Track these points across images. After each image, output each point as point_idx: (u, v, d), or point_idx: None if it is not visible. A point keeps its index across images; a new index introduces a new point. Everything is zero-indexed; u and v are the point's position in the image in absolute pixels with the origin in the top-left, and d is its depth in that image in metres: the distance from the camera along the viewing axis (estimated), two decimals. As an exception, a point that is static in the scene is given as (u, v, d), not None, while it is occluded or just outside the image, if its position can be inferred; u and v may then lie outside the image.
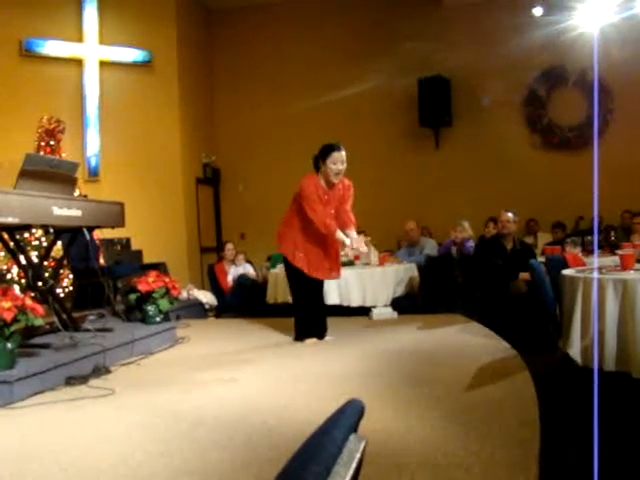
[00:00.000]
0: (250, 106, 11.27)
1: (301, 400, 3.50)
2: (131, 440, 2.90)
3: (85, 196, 7.27)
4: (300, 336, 5.43)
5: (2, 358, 3.65)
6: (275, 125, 11.18)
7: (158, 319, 5.49)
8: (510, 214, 6.57)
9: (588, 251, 6.94)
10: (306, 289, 5.37)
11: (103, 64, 9.81)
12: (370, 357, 4.63)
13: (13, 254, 5.00)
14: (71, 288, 7.78)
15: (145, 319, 5.47)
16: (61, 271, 7.16)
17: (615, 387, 3.60)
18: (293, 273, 5.39)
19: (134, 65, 10.04)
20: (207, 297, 8.37)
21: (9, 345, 3.65)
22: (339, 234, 5.14)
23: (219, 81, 11.74)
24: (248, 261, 8.64)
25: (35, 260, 5.44)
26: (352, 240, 5.13)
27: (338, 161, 5.15)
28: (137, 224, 7.64)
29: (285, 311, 7.10)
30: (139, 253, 8.74)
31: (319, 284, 5.48)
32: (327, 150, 5.20)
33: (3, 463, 2.66)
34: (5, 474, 2.53)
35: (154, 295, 5.40)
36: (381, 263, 7.28)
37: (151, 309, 5.45)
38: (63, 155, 8.18)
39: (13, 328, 3.63)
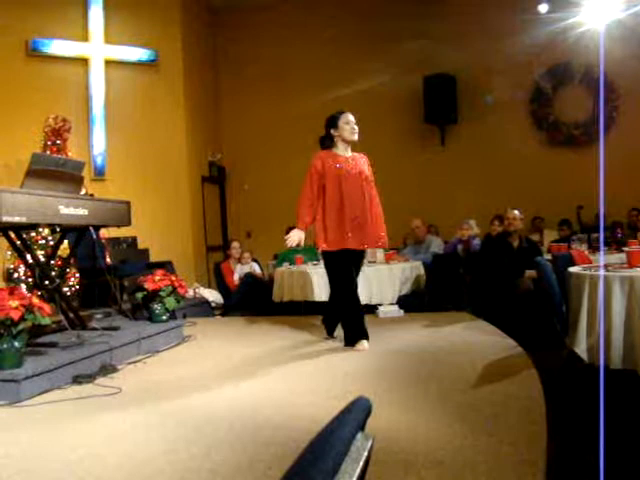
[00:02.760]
0: (255, 105, 11.29)
1: (308, 398, 3.50)
2: (138, 438, 2.90)
3: (91, 195, 7.29)
4: (353, 339, 5.01)
5: (10, 357, 3.66)
6: (280, 123, 11.18)
7: (164, 317, 5.51)
8: (516, 212, 6.57)
9: (594, 248, 6.92)
10: (345, 278, 5.04)
11: (109, 63, 9.81)
12: (377, 355, 4.64)
13: (20, 253, 5.02)
14: (78, 287, 7.81)
15: (152, 317, 5.49)
16: (68, 270, 7.18)
17: (621, 385, 3.59)
18: (331, 263, 5.08)
19: (140, 64, 10.05)
20: (213, 295, 8.39)
21: (16, 344, 3.67)
22: (299, 232, 5.01)
23: (224, 80, 11.75)
24: (254, 259, 8.65)
25: (42, 259, 5.46)
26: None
27: (351, 120, 5.12)
28: (143, 223, 7.66)
29: (291, 309, 7.12)
30: (145, 252, 8.75)
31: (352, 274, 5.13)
32: (335, 115, 5.17)
33: (10, 461, 2.67)
34: (12, 472, 2.54)
35: (160, 294, 5.41)
36: (387, 261, 7.29)
37: (157, 307, 5.46)
38: (69, 154, 8.22)
39: (20, 327, 3.65)
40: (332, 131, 5.17)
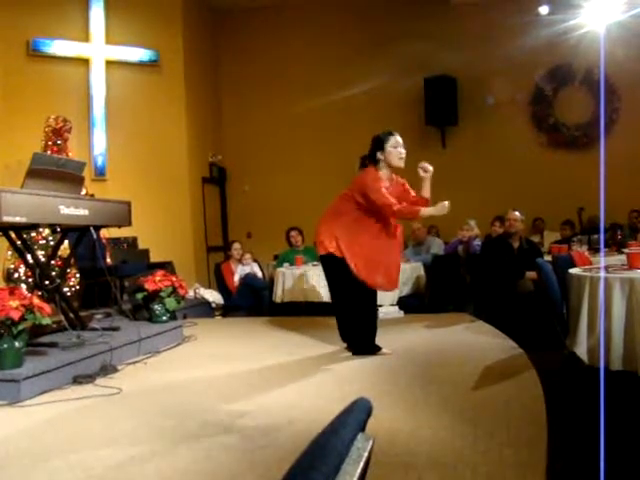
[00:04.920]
0: (256, 106, 11.28)
1: (308, 399, 3.50)
2: (138, 439, 2.90)
3: (92, 195, 7.29)
4: (372, 347, 4.75)
5: (10, 357, 3.66)
6: (281, 124, 11.18)
7: (165, 318, 5.51)
8: (517, 213, 6.57)
9: (595, 250, 6.93)
10: (359, 292, 4.70)
11: (109, 64, 9.81)
12: (377, 356, 4.63)
13: (20, 253, 5.02)
14: (78, 287, 7.81)
15: (152, 318, 5.48)
16: (68, 270, 7.18)
17: (621, 386, 3.59)
18: (342, 273, 4.69)
19: (140, 65, 10.05)
20: (214, 296, 8.38)
21: (17, 344, 3.67)
22: (424, 210, 4.72)
23: (226, 81, 11.74)
24: (255, 260, 8.64)
25: (42, 259, 5.46)
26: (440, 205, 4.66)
27: (399, 144, 4.75)
28: (144, 223, 7.65)
29: (292, 310, 7.12)
30: (146, 252, 8.75)
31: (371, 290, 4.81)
32: (383, 137, 4.77)
33: (11, 461, 2.67)
34: (13, 472, 2.54)
35: (161, 294, 5.41)
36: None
37: (158, 308, 5.46)
38: (70, 154, 8.21)
39: (21, 327, 3.65)
40: (378, 154, 4.76)
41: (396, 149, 4.74)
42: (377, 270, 4.70)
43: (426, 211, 4.72)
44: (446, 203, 4.66)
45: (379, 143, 4.77)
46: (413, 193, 5.01)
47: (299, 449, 0.88)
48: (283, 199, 10.95)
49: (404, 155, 4.77)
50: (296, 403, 3.42)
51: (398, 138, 4.78)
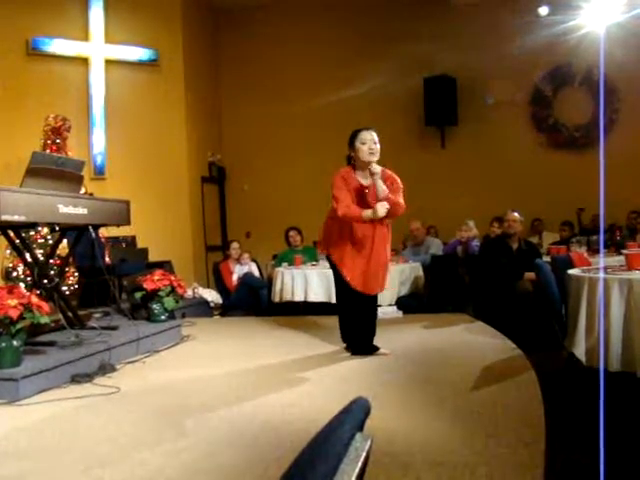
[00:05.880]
0: (256, 105, 11.28)
1: (307, 399, 3.50)
2: (136, 438, 2.90)
3: (91, 194, 7.28)
4: (369, 347, 4.75)
5: (8, 355, 3.66)
6: (281, 124, 11.19)
7: (163, 317, 5.50)
8: (516, 214, 6.58)
9: (593, 251, 6.93)
10: (353, 297, 4.70)
11: (109, 63, 9.81)
12: (375, 356, 4.63)
13: (19, 252, 5.01)
14: (77, 286, 7.80)
15: (150, 317, 5.48)
16: (67, 269, 7.17)
17: (620, 387, 3.59)
18: (338, 278, 4.79)
19: (140, 64, 10.05)
20: (212, 295, 8.38)
21: (15, 343, 3.66)
22: (365, 212, 4.45)
23: (225, 80, 11.75)
24: (253, 260, 8.64)
25: (41, 258, 5.45)
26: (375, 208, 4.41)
27: (367, 139, 4.53)
28: (143, 222, 7.65)
29: (290, 310, 7.12)
30: (144, 251, 8.74)
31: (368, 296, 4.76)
32: (353, 134, 4.61)
33: (9, 459, 2.67)
34: (11, 471, 2.54)
35: (159, 293, 5.41)
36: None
37: (156, 307, 5.45)
38: (69, 153, 8.21)
39: (19, 326, 3.64)
40: (350, 151, 4.66)
41: (365, 145, 4.54)
42: (360, 272, 4.64)
43: (367, 213, 4.47)
44: (382, 205, 4.42)
45: (349, 141, 4.65)
46: (400, 195, 4.70)
47: (298, 448, 0.88)
48: (282, 199, 10.96)
49: (376, 150, 4.55)
50: (294, 402, 3.42)
51: (367, 134, 4.57)
